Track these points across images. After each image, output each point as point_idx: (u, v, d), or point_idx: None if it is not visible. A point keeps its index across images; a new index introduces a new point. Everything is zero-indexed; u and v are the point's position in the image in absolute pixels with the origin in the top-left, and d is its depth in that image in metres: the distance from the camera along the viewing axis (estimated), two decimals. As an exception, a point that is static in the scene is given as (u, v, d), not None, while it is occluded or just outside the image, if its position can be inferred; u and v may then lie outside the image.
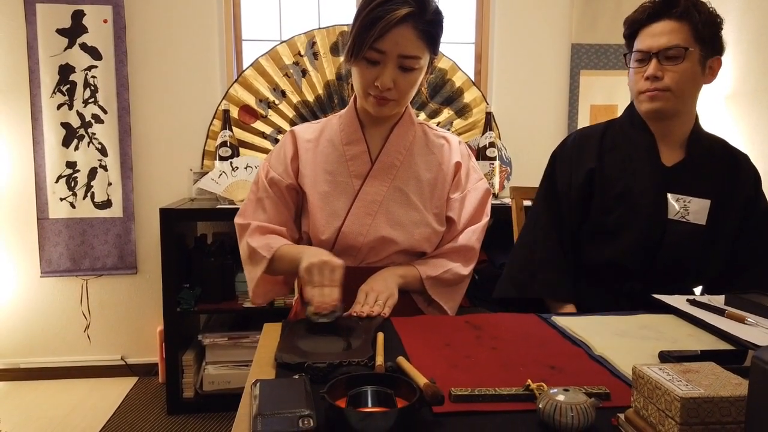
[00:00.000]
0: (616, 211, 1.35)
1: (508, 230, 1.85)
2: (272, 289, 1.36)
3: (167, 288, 2.28)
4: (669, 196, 1.32)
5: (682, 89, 1.29)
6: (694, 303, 1.14)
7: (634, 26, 1.35)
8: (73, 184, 2.53)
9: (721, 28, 1.31)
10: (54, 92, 2.48)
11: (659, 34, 1.28)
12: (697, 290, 1.45)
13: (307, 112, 2.62)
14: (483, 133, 2.52)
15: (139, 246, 2.63)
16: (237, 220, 1.35)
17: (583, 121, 2.73)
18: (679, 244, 1.32)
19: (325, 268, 1.09)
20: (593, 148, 1.41)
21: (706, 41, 1.28)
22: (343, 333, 1.02)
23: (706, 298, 1.17)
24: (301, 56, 2.59)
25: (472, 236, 1.33)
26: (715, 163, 1.36)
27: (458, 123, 2.68)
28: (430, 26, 1.18)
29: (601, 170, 1.38)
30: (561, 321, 1.10)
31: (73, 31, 2.46)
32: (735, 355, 0.91)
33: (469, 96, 2.66)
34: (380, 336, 0.97)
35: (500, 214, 2.25)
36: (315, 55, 2.59)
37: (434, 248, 1.33)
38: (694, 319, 1.08)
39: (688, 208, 1.31)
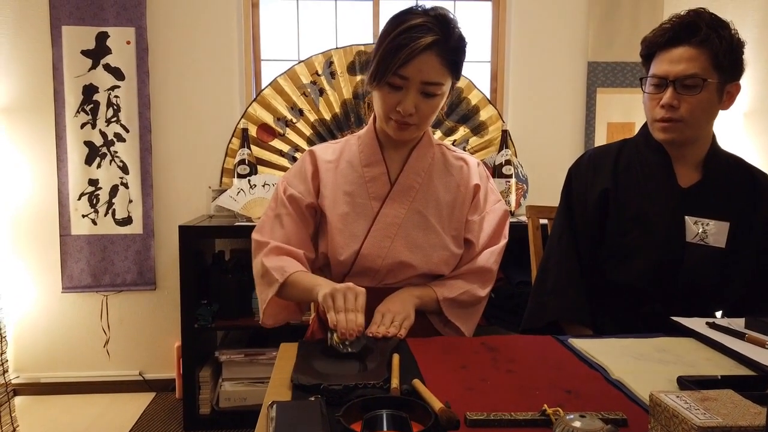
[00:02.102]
0: (631, 233, 1.34)
1: (524, 248, 1.85)
2: (281, 312, 1.32)
3: (185, 304, 2.30)
4: (687, 218, 1.30)
5: (697, 119, 1.27)
6: (713, 326, 1.13)
7: (651, 48, 1.32)
8: (95, 201, 2.58)
9: (743, 53, 1.27)
10: (78, 111, 2.54)
11: (677, 61, 1.25)
12: (718, 314, 1.42)
13: (324, 131, 2.64)
14: (499, 151, 2.53)
15: (158, 262, 2.67)
16: (254, 235, 1.33)
17: (600, 139, 2.73)
18: (698, 268, 1.29)
19: (349, 294, 1.06)
20: (608, 167, 1.40)
21: (726, 69, 1.25)
22: (358, 354, 1.02)
23: (725, 321, 1.15)
24: (319, 75, 2.62)
25: (490, 258, 1.33)
26: (734, 184, 1.34)
27: (474, 141, 2.68)
28: (453, 53, 1.19)
29: (615, 191, 1.37)
30: (578, 344, 1.10)
31: (97, 53, 2.52)
32: (755, 381, 0.90)
33: (485, 114, 2.67)
34: (396, 358, 0.97)
35: (516, 232, 2.23)
36: (332, 75, 2.63)
37: (452, 270, 1.33)
38: (713, 343, 1.07)
39: (707, 231, 1.29)
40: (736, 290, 1.34)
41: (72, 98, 2.53)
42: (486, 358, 1.03)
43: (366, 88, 1.28)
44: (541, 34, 2.71)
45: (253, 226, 2.29)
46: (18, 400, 2.57)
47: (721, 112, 1.33)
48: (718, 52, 1.23)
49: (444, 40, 1.16)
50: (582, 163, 1.46)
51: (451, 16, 1.19)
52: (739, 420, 0.59)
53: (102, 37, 2.51)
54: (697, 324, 1.14)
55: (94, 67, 2.53)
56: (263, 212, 1.42)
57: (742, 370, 0.96)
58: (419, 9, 1.19)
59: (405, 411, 0.74)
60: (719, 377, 0.89)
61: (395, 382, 0.86)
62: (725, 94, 1.29)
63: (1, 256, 2.56)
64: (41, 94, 2.55)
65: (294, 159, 2.64)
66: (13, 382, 2.55)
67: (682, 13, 1.27)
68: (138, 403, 2.59)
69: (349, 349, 1.00)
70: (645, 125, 1.41)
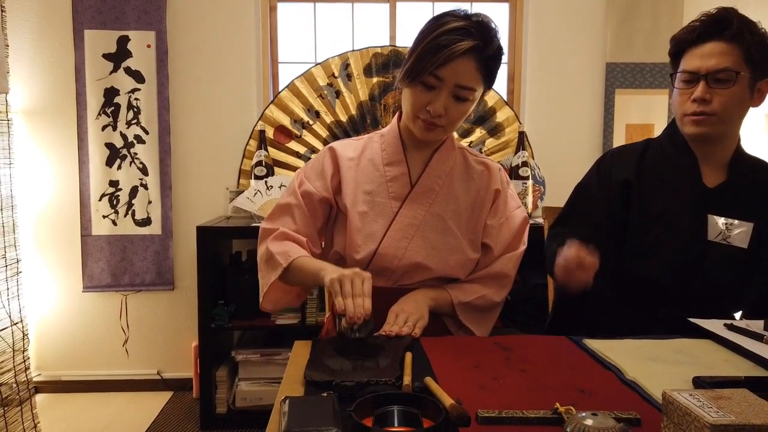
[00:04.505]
0: (654, 230, 1.33)
1: (540, 250, 1.83)
2: (283, 297, 1.33)
3: (202, 304, 2.32)
4: (710, 217, 1.29)
5: (730, 114, 1.26)
6: (731, 328, 1.11)
7: (680, 45, 1.31)
8: (115, 202, 2.62)
9: None
10: (99, 114, 2.58)
11: (708, 56, 1.24)
12: (737, 315, 1.40)
13: (341, 132, 2.66)
14: (516, 153, 2.51)
15: (176, 263, 2.70)
16: (263, 224, 1.32)
17: (619, 140, 2.70)
18: (719, 267, 1.28)
19: (356, 279, 1.06)
20: (632, 162, 1.39)
21: (757, 64, 1.24)
22: (371, 352, 1.02)
23: (744, 323, 1.14)
24: (335, 78, 2.64)
25: (508, 263, 1.32)
26: (759, 186, 1.33)
27: (491, 142, 2.68)
28: (490, 61, 1.19)
29: (639, 186, 1.36)
30: (592, 344, 1.09)
31: (119, 56, 2.56)
32: (773, 383, 0.89)
33: (502, 115, 2.66)
34: (408, 356, 0.98)
35: (533, 233, 2.22)
36: (348, 77, 2.64)
37: (468, 274, 1.32)
38: (731, 345, 1.05)
39: (730, 231, 1.28)
40: (756, 292, 1.32)
41: (93, 101, 2.57)
42: (499, 357, 1.03)
43: (397, 84, 1.28)
44: (559, 35, 2.69)
45: (270, 227, 2.32)
46: (39, 398, 2.61)
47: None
48: (750, 46, 1.22)
49: (483, 46, 1.16)
50: (606, 158, 1.45)
51: (493, 25, 1.20)
52: (752, 418, 0.59)
53: (123, 41, 2.56)
54: (714, 325, 1.13)
55: (115, 70, 2.57)
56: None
57: (760, 372, 0.95)
58: (461, 12, 1.19)
59: (416, 407, 0.74)
60: (743, 378, 0.88)
61: (407, 380, 0.87)
62: (756, 92, 1.28)
63: (23, 255, 2.61)
64: (64, 97, 2.60)
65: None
66: (34, 379, 2.59)
67: (711, 11, 1.27)
68: (156, 401, 2.62)
69: (357, 334, 1.02)
70: (669, 125, 1.40)
